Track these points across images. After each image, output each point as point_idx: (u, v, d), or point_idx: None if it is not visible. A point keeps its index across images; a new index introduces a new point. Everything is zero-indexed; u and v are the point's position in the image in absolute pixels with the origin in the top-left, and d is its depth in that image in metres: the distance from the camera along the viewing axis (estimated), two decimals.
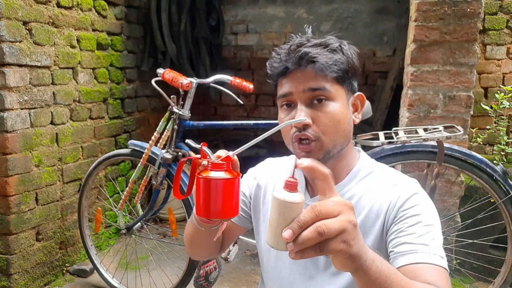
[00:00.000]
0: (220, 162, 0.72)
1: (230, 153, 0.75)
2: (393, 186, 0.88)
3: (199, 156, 0.78)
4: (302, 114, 0.83)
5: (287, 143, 0.91)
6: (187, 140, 0.98)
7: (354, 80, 0.91)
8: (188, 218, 2.04)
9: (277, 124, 0.76)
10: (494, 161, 2.40)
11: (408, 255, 0.77)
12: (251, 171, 1.11)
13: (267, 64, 0.91)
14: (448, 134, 1.65)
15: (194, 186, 0.75)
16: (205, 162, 0.73)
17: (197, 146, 0.82)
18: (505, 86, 2.69)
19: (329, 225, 0.55)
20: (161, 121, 2.06)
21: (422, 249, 0.77)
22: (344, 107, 0.87)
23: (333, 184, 0.61)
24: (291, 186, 0.59)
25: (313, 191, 0.95)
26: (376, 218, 0.87)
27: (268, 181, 1.04)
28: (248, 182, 1.07)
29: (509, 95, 2.47)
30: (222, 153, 0.75)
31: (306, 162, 0.61)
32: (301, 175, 0.99)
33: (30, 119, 2.19)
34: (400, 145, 1.81)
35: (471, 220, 1.99)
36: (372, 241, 0.87)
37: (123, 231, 2.25)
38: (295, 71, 0.85)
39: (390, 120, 3.05)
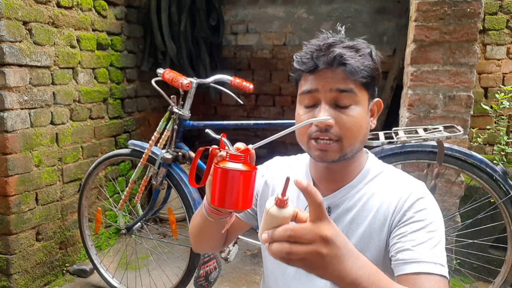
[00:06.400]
0: (239, 154, 0.73)
1: (250, 146, 0.75)
2: (401, 189, 0.88)
3: (217, 146, 0.78)
4: (325, 114, 0.83)
5: (301, 141, 0.90)
6: (207, 130, 0.98)
7: (376, 86, 0.92)
8: (188, 218, 2.04)
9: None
10: (494, 161, 2.40)
11: (409, 264, 0.78)
12: (259, 168, 1.10)
13: (294, 57, 0.90)
14: (448, 134, 1.65)
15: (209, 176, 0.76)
16: (223, 152, 0.74)
17: (217, 136, 0.82)
18: (505, 86, 2.69)
19: (293, 250, 0.60)
20: (161, 121, 2.06)
21: (424, 257, 0.78)
22: (365, 112, 0.88)
23: (325, 212, 0.62)
24: (279, 202, 0.63)
25: (321, 191, 0.96)
26: (383, 220, 0.87)
27: (276, 181, 1.03)
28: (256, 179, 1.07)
29: (509, 95, 2.47)
30: (240, 145, 0.76)
31: (304, 183, 0.61)
32: (308, 174, 0.99)
33: (30, 119, 2.19)
34: (400, 145, 1.81)
35: (471, 220, 1.99)
36: (378, 244, 0.87)
37: (123, 231, 2.25)
38: (325, 70, 0.84)
39: (390, 120, 3.05)
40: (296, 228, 0.61)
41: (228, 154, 0.73)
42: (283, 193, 0.63)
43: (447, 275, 0.78)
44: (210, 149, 0.78)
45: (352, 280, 0.64)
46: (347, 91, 0.84)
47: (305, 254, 0.60)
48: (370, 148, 1.81)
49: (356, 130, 0.85)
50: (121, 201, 2.22)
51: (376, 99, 0.94)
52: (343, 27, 0.93)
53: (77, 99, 2.52)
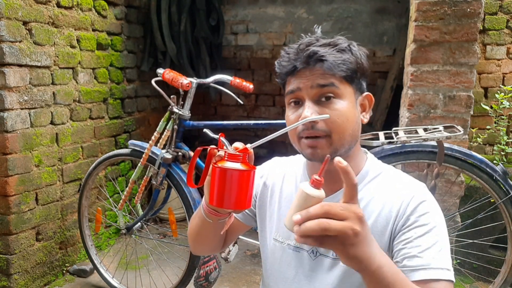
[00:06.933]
0: (237, 153, 0.72)
1: (248, 146, 0.75)
2: (401, 189, 0.88)
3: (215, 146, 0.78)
4: (309, 111, 0.83)
5: (293, 141, 0.90)
6: (205, 130, 0.98)
7: (363, 80, 0.92)
8: (188, 218, 2.04)
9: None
10: (494, 161, 2.40)
11: (417, 272, 0.78)
12: (257, 168, 1.10)
13: (275, 62, 0.91)
14: (448, 134, 1.65)
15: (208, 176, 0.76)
16: (221, 152, 0.74)
17: (215, 136, 0.82)
18: (505, 86, 2.69)
19: (331, 225, 0.61)
20: (161, 121, 2.06)
21: (431, 263, 0.78)
22: (352, 106, 0.87)
23: (357, 193, 0.65)
24: (315, 183, 0.66)
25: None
26: (385, 224, 0.86)
27: (275, 181, 1.03)
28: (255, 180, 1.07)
29: (509, 95, 2.47)
30: (239, 144, 0.76)
31: (345, 163, 0.64)
32: (305, 175, 0.98)
33: (30, 119, 2.19)
34: (400, 145, 1.81)
35: (471, 220, 1.99)
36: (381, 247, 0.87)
37: (123, 231, 2.25)
38: (303, 69, 0.85)
39: (390, 120, 3.05)
40: (333, 204, 0.63)
41: (226, 154, 0.72)
42: (320, 174, 0.65)
43: (453, 279, 0.79)
44: (208, 149, 0.78)
45: (379, 265, 0.66)
46: (327, 85, 0.84)
47: (340, 230, 0.61)
48: (370, 148, 1.81)
49: (342, 123, 0.85)
50: (121, 201, 2.22)
51: (366, 93, 0.94)
52: (319, 28, 0.93)
53: (77, 99, 2.52)
